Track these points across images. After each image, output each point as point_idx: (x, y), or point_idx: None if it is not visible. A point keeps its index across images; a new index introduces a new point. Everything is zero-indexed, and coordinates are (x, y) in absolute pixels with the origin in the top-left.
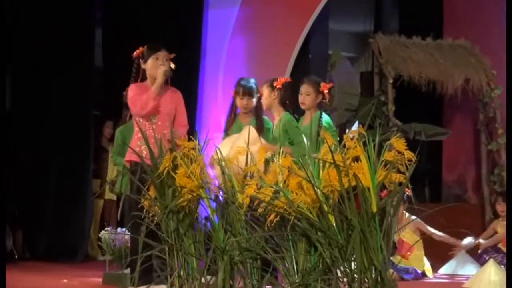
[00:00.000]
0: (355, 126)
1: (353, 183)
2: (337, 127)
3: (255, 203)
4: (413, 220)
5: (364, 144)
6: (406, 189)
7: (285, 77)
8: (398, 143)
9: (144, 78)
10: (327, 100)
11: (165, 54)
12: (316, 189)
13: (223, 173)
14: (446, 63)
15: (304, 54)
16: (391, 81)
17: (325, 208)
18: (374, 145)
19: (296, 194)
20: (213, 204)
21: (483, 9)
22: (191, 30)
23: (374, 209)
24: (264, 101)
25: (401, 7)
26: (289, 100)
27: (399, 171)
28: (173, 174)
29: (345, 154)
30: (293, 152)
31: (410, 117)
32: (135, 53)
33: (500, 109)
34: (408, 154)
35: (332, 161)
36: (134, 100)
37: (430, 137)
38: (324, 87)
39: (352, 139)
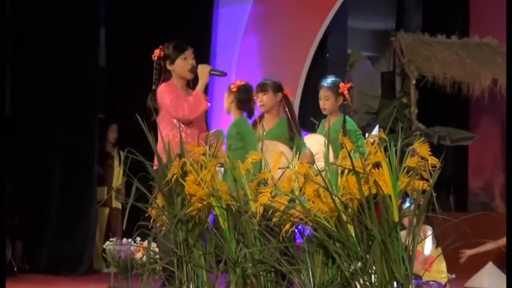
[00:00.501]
0: (376, 130)
1: (374, 191)
2: None
3: (269, 212)
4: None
5: (385, 149)
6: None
7: (242, 81)
8: (421, 148)
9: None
10: (348, 101)
11: (192, 52)
12: (334, 197)
13: (235, 180)
14: (473, 63)
15: (322, 53)
16: (414, 82)
17: (344, 217)
18: (396, 151)
19: (313, 202)
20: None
21: None
22: (200, 30)
23: (396, 219)
24: (224, 105)
25: (424, 3)
26: (244, 103)
27: (422, 178)
28: (182, 182)
29: (365, 160)
30: (230, 157)
31: (434, 121)
32: (155, 53)
33: None
34: (432, 160)
35: (351, 167)
36: (177, 103)
37: (456, 141)
38: (344, 87)
39: (372, 144)
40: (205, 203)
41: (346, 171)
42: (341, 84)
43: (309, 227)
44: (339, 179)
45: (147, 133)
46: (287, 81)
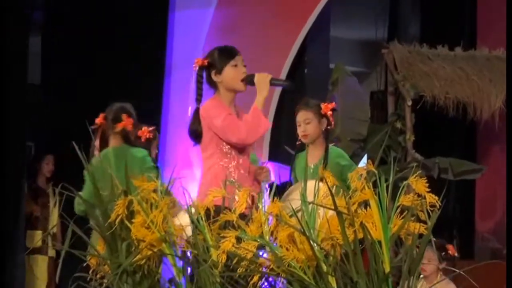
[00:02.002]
0: (364, 161)
1: (360, 236)
2: None
3: (234, 261)
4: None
5: (375, 184)
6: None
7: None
8: (418, 183)
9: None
10: (332, 125)
11: (242, 58)
12: (312, 243)
13: (192, 222)
14: (481, 80)
15: (298, 69)
16: (409, 103)
17: (324, 267)
18: (388, 186)
19: (287, 249)
20: (180, 263)
21: None
22: (153, 37)
23: (387, 269)
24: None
25: (423, 9)
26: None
27: (419, 220)
28: (128, 224)
29: (350, 197)
30: None
31: (434, 150)
32: (197, 62)
33: None
34: (431, 198)
35: (333, 207)
36: (232, 123)
37: (460, 175)
38: (326, 107)
39: (359, 178)
40: (155, 250)
41: (327, 211)
42: (323, 104)
43: (282, 279)
44: (319, 221)
45: (85, 164)
46: None
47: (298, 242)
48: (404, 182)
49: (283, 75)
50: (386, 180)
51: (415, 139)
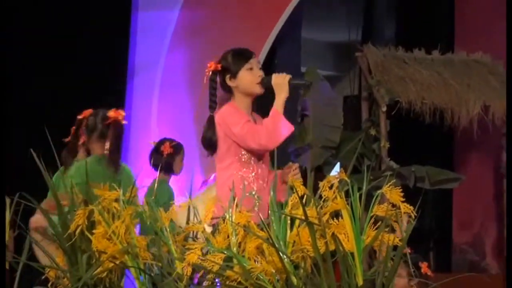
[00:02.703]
0: (336, 170)
1: (332, 247)
2: (313, 170)
3: (200, 274)
4: None
5: (347, 194)
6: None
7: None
8: (392, 192)
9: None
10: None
11: (258, 60)
12: (281, 255)
13: (156, 233)
14: (459, 85)
15: (268, 72)
16: (384, 108)
17: (294, 280)
18: (361, 196)
19: (255, 261)
20: (143, 276)
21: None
22: (116, 39)
23: (360, 282)
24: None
25: (398, 10)
26: None
27: (393, 231)
28: (89, 235)
29: (322, 207)
30: None
31: (409, 158)
32: (210, 67)
33: None
34: (406, 208)
35: (303, 218)
36: (251, 129)
37: (437, 184)
38: None
39: (330, 187)
40: (117, 262)
41: (297, 222)
42: None
43: None
44: (289, 232)
45: (44, 174)
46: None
47: (267, 254)
48: (378, 192)
49: None
50: (359, 189)
51: (390, 147)
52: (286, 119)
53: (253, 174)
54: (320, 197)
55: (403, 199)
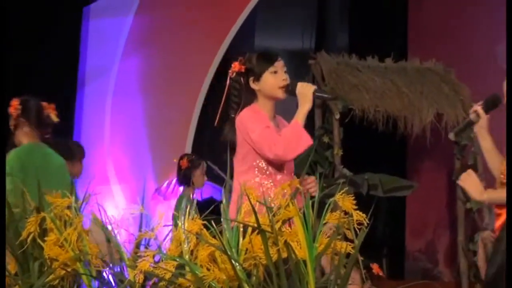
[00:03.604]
0: None
1: (284, 255)
2: None
3: (152, 282)
4: None
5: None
6: (373, 265)
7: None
8: (345, 200)
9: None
10: None
11: (283, 64)
12: (234, 262)
13: (108, 240)
14: (412, 93)
15: (222, 79)
16: (337, 116)
17: None
18: (314, 203)
19: (208, 269)
20: (95, 283)
21: (460, 21)
22: (66, 47)
23: None
24: None
25: (352, 18)
26: None
27: (346, 239)
28: (41, 242)
29: (274, 215)
30: None
31: (363, 165)
32: (234, 67)
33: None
34: (359, 216)
35: (255, 225)
36: (269, 137)
37: (390, 192)
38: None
39: (283, 195)
40: (69, 269)
41: (249, 229)
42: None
43: None
44: (241, 239)
45: None
46: (178, 114)
47: (219, 261)
48: (331, 199)
49: (206, 85)
50: (312, 197)
51: (343, 154)
52: (306, 131)
53: (270, 181)
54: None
55: (356, 207)
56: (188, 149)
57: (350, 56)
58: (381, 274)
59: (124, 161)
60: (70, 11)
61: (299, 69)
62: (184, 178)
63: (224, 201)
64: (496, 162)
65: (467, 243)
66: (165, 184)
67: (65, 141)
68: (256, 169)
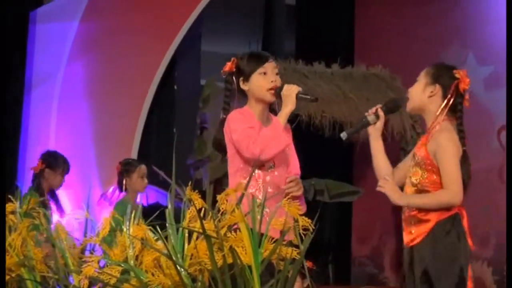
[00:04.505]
0: None
1: (230, 260)
2: (212, 183)
3: (97, 287)
4: None
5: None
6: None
7: None
8: (290, 206)
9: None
10: None
11: (275, 66)
12: (179, 268)
13: (53, 246)
14: (358, 99)
15: (168, 85)
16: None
17: None
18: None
19: (152, 274)
20: None
21: (407, 28)
22: (12, 52)
23: None
24: None
25: (298, 24)
26: None
27: (291, 244)
28: None
29: (220, 220)
30: None
31: (309, 171)
32: (226, 68)
33: None
34: (304, 221)
35: (200, 230)
36: (247, 137)
37: (336, 197)
38: None
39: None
40: (13, 275)
41: (195, 235)
42: None
43: None
44: (186, 245)
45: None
46: (123, 120)
47: (164, 267)
48: (277, 204)
49: (152, 90)
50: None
51: None
52: (285, 132)
53: (260, 181)
54: (218, 210)
55: (301, 212)
56: (134, 154)
57: (296, 62)
58: (314, 267)
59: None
60: (17, 15)
61: None
62: (119, 183)
63: (169, 206)
64: (383, 165)
65: None
66: (110, 190)
67: (53, 151)
68: (244, 169)
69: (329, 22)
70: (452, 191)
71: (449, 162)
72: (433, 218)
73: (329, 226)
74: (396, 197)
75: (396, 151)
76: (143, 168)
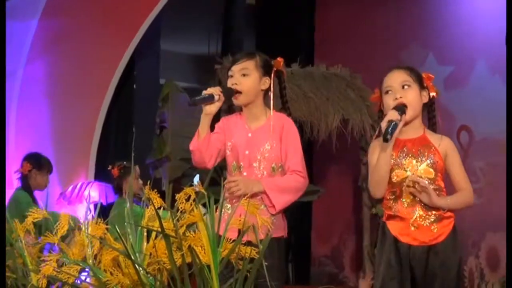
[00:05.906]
0: (195, 181)
1: (189, 260)
2: (171, 183)
3: (55, 286)
4: None
5: (205, 206)
6: None
7: None
8: (249, 205)
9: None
10: None
11: (241, 67)
12: (137, 267)
13: (11, 245)
14: (318, 99)
15: (127, 84)
16: None
17: None
18: (218, 208)
19: (111, 273)
20: None
21: (367, 27)
22: None
23: None
24: None
25: (257, 22)
26: None
27: (250, 244)
28: None
29: (178, 220)
30: None
31: None
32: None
33: None
34: (263, 221)
35: (159, 230)
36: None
37: None
38: None
39: (187, 199)
40: None
41: (153, 234)
42: None
43: None
44: (145, 244)
45: None
46: (83, 119)
47: (123, 266)
48: (236, 204)
49: (111, 90)
50: (217, 202)
51: None
52: (196, 135)
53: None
54: (178, 209)
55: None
56: (93, 154)
57: None
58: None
59: None
60: None
61: (206, 73)
62: (117, 187)
63: (128, 204)
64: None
65: (373, 248)
66: (69, 189)
67: (36, 153)
68: (231, 171)
69: (289, 21)
70: (471, 191)
71: (461, 164)
72: (452, 213)
73: (289, 225)
74: (436, 199)
75: (356, 151)
76: (137, 169)
